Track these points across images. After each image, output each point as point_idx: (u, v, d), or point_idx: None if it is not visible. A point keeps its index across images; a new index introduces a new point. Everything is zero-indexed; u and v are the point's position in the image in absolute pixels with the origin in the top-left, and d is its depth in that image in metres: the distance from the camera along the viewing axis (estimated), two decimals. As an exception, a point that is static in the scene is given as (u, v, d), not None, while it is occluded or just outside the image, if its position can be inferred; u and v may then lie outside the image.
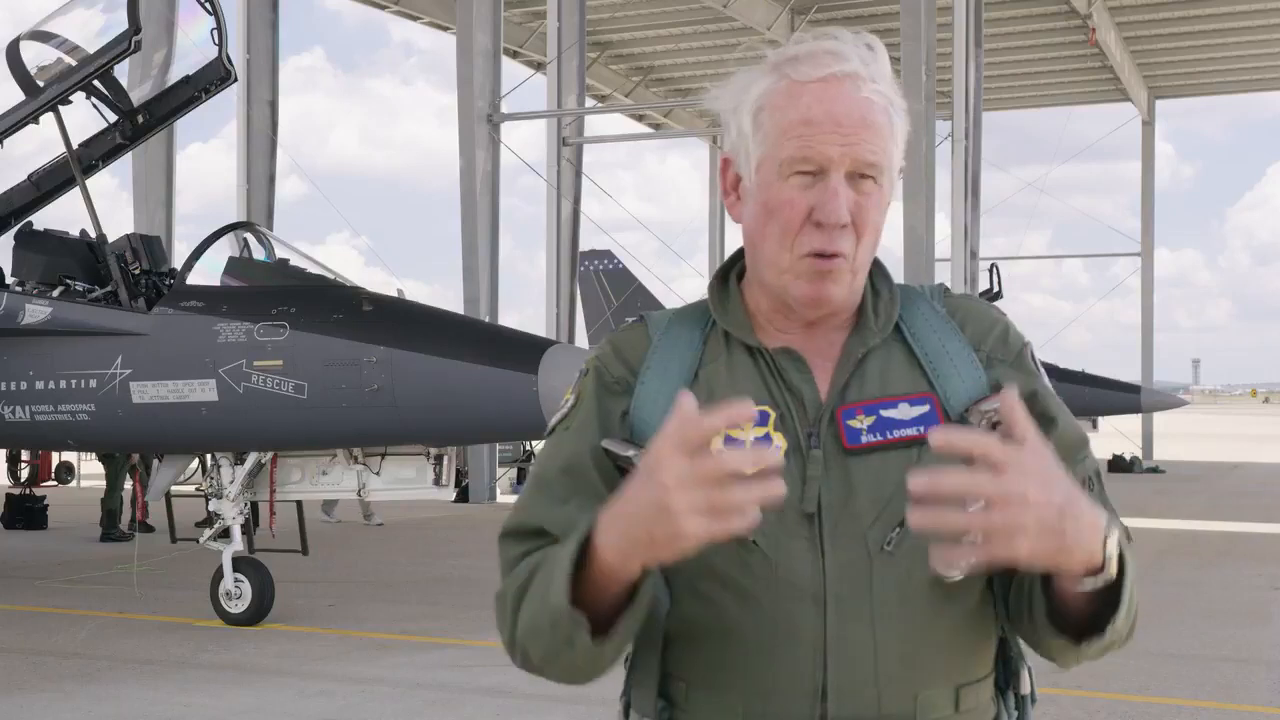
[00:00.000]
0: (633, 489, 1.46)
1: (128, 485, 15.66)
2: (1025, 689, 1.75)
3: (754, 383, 1.68)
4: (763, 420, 1.66)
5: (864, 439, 1.64)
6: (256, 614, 9.57)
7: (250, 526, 10.08)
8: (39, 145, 10.77)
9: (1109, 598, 1.53)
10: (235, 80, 10.50)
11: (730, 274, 1.76)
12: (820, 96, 1.62)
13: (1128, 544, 1.55)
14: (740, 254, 1.76)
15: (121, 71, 10.21)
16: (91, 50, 9.69)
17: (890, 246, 22.32)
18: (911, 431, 1.64)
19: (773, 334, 1.71)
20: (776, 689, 1.62)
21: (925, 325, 1.72)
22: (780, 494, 1.39)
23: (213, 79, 10.27)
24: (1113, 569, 1.49)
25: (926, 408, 1.66)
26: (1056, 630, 1.58)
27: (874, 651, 1.61)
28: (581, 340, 25.21)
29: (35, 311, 9.78)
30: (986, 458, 1.39)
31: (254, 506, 10.32)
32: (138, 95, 10.42)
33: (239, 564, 9.62)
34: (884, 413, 1.65)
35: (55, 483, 22.34)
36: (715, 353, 1.72)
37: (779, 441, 1.64)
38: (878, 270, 1.75)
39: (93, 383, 9.54)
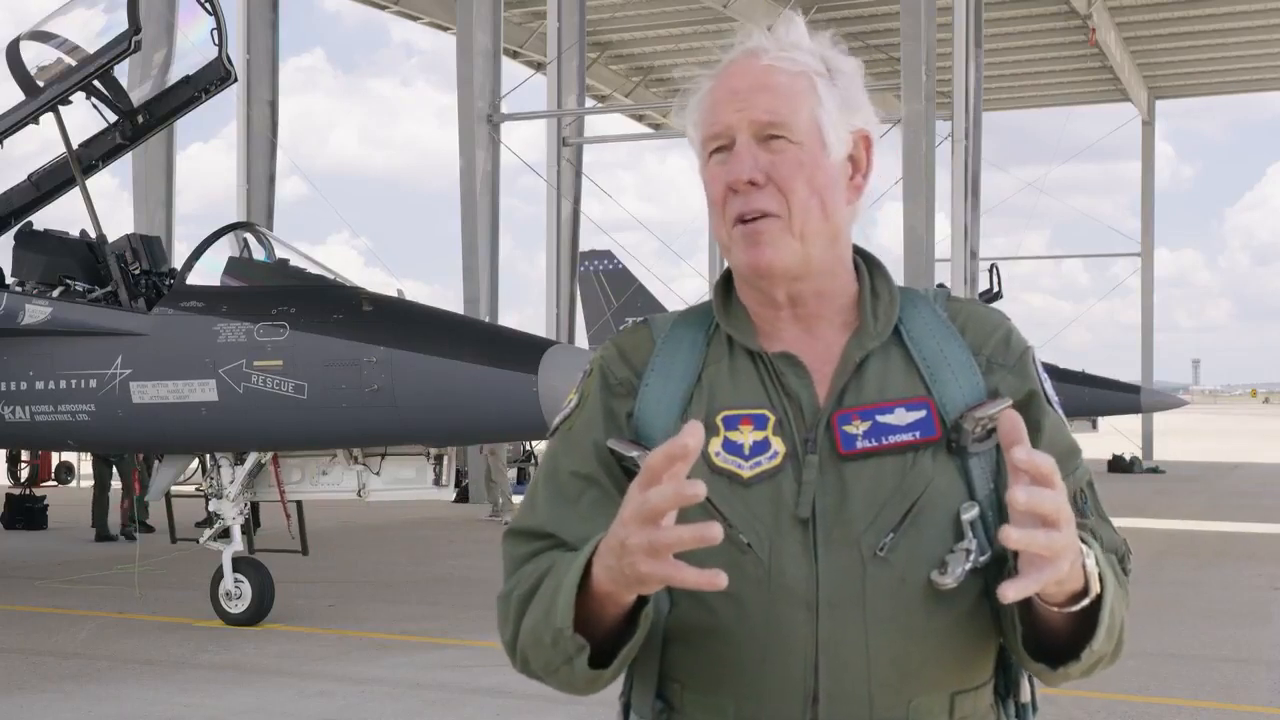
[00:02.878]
0: (618, 519, 1.47)
1: (118, 485, 15.66)
2: (1025, 697, 1.74)
3: (754, 386, 1.69)
4: (761, 424, 1.66)
5: (859, 444, 1.64)
6: (256, 614, 9.58)
7: (250, 526, 10.09)
8: (39, 145, 10.77)
9: (1088, 619, 1.53)
10: (235, 80, 10.49)
11: (732, 279, 1.77)
12: (724, 76, 1.68)
13: (1105, 560, 1.55)
14: None
15: (121, 71, 10.21)
16: (91, 50, 9.69)
17: (890, 246, 22.36)
18: (907, 437, 1.64)
19: (774, 338, 1.71)
20: (768, 693, 1.62)
21: (925, 329, 1.71)
22: (715, 538, 1.38)
23: (213, 79, 10.26)
24: (1095, 586, 1.50)
25: (923, 413, 1.66)
26: (1032, 657, 1.59)
27: (866, 657, 1.60)
28: (581, 340, 25.21)
29: (35, 311, 9.78)
30: (1044, 513, 1.41)
31: (254, 506, 10.32)
32: (138, 95, 10.42)
33: (239, 564, 9.62)
34: (880, 418, 1.65)
35: (55, 483, 22.36)
36: (718, 355, 1.72)
37: (777, 446, 1.65)
38: (878, 272, 1.75)
39: (93, 383, 9.54)
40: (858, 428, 1.64)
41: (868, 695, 1.61)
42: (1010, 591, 1.41)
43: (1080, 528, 1.55)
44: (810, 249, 1.65)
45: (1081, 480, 1.70)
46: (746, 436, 1.65)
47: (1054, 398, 1.74)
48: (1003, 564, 1.61)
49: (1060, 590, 1.49)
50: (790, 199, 1.62)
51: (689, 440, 1.39)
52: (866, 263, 1.75)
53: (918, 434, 1.64)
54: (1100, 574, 1.51)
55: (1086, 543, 1.51)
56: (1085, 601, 1.50)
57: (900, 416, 1.65)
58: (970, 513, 1.60)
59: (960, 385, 1.67)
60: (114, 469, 15.58)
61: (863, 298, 1.72)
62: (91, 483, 16.10)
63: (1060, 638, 1.56)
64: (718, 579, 1.39)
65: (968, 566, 1.58)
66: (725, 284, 1.76)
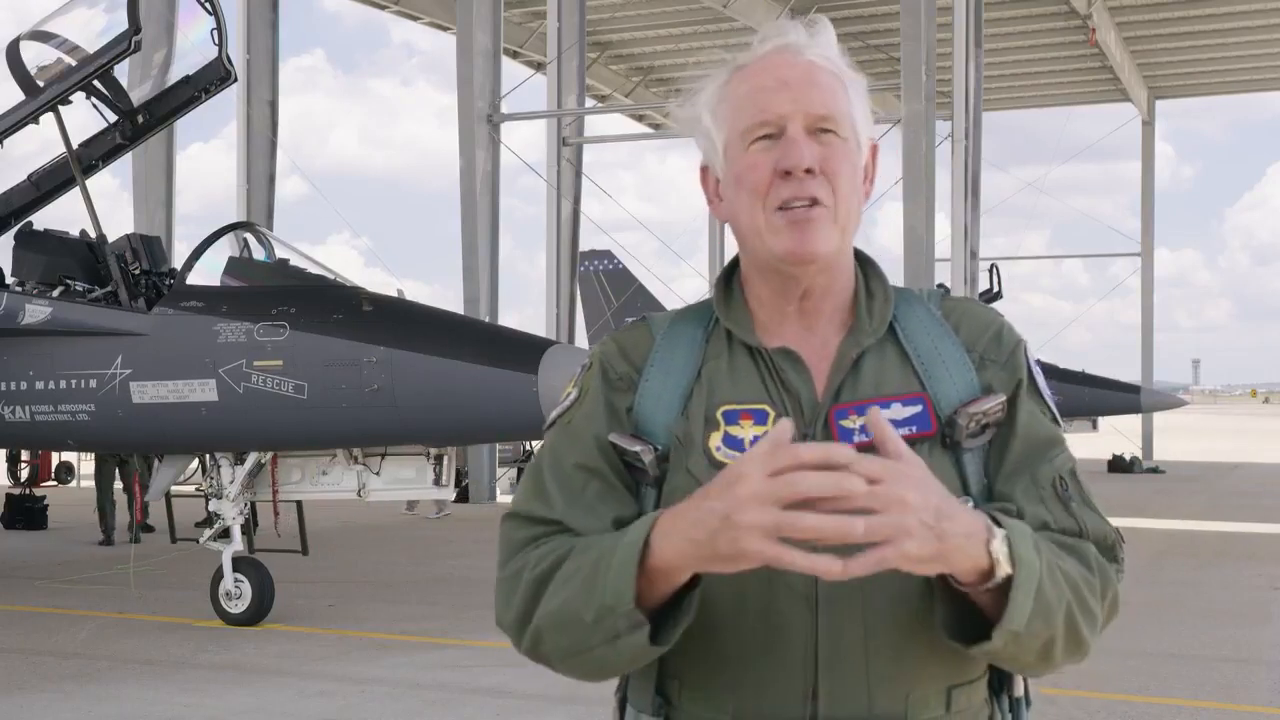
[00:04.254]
0: (704, 497, 1.47)
1: (118, 486, 15.64)
2: (1019, 691, 1.75)
3: (753, 381, 1.70)
4: (761, 419, 1.67)
5: (856, 439, 1.65)
6: (256, 614, 9.58)
7: (250, 526, 10.08)
8: (39, 145, 10.78)
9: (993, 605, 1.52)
10: (235, 80, 10.50)
11: (734, 275, 1.78)
12: (766, 67, 1.68)
13: (1031, 542, 1.53)
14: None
15: (121, 71, 10.22)
16: (91, 50, 9.69)
17: (890, 246, 22.35)
18: (903, 432, 1.65)
19: (773, 334, 1.72)
20: (768, 688, 1.63)
21: (919, 327, 1.74)
22: (856, 533, 1.40)
23: (213, 79, 10.27)
24: (1004, 569, 1.49)
25: (919, 408, 1.68)
26: (949, 636, 1.58)
27: (865, 652, 1.62)
28: (581, 340, 25.21)
29: (35, 311, 9.78)
30: (864, 472, 1.42)
31: (254, 506, 10.32)
32: (138, 95, 10.43)
33: (239, 564, 9.63)
34: None
35: (55, 483, 22.35)
36: (717, 351, 1.74)
37: None
38: (872, 271, 1.77)
39: (93, 383, 9.54)
40: (855, 423, 1.66)
41: (866, 690, 1.62)
42: (835, 568, 1.40)
43: (1004, 511, 1.57)
44: (845, 240, 1.69)
45: (1062, 469, 1.70)
46: (747, 431, 1.66)
47: (1043, 388, 1.74)
48: None
49: (954, 563, 1.47)
50: (837, 191, 1.65)
51: (782, 427, 1.44)
52: (861, 263, 1.77)
53: (914, 429, 1.66)
54: (1015, 555, 1.50)
55: (1000, 524, 1.51)
56: (993, 582, 1.49)
57: (896, 411, 1.67)
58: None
59: (954, 381, 1.70)
60: (116, 470, 15.55)
61: (858, 296, 1.74)
62: (92, 483, 16.09)
63: (993, 619, 1.54)
64: (833, 566, 1.40)
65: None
66: (727, 278, 1.78)
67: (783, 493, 1.40)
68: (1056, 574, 1.55)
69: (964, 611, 1.56)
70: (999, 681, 1.74)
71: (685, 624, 1.56)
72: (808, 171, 1.63)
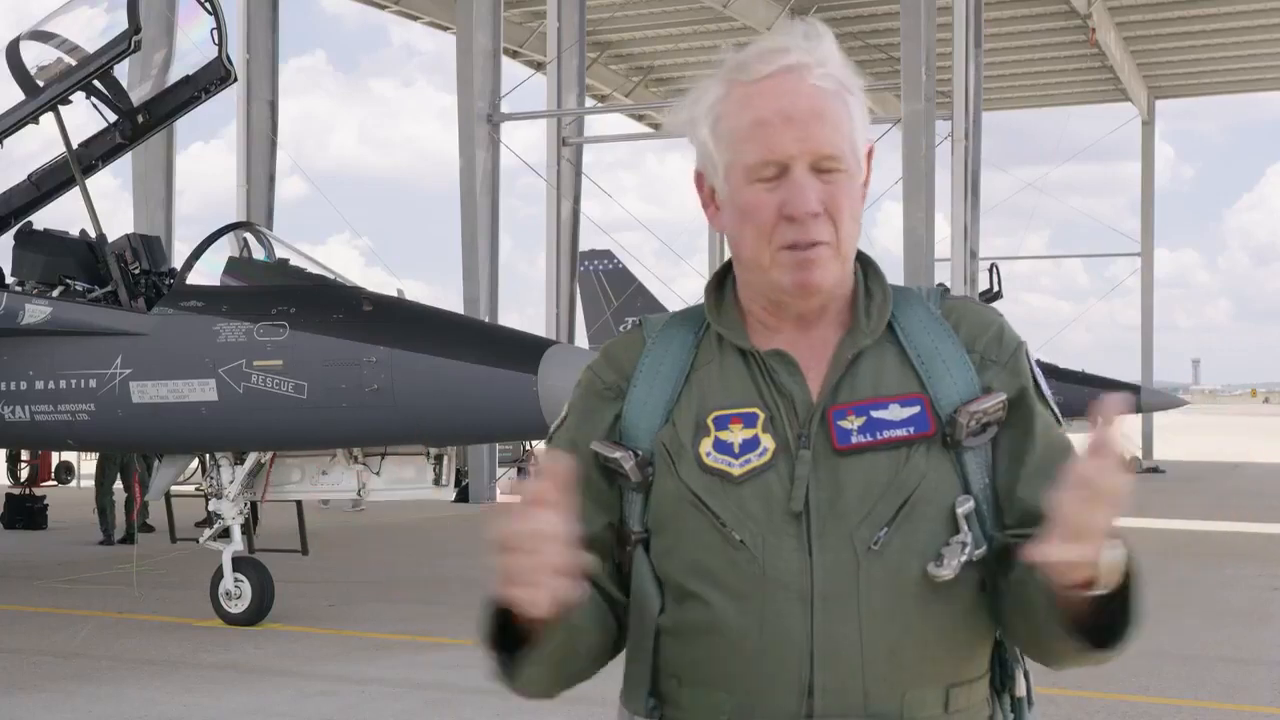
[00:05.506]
0: None
1: (118, 485, 15.64)
2: (1021, 691, 1.75)
3: (745, 385, 1.70)
4: (751, 422, 1.67)
5: (854, 439, 1.65)
6: (256, 614, 9.58)
7: (250, 526, 10.08)
8: (39, 145, 10.77)
9: (1113, 609, 1.54)
10: (235, 80, 10.50)
11: (726, 278, 1.78)
12: (769, 94, 1.64)
13: (1129, 558, 1.54)
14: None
15: (121, 71, 10.22)
16: (91, 50, 9.69)
17: (890, 246, 22.35)
18: (902, 432, 1.65)
19: (766, 336, 1.72)
20: (764, 686, 1.63)
21: (919, 326, 1.73)
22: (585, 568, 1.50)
23: (213, 79, 10.27)
24: (1113, 578, 1.50)
25: (917, 409, 1.67)
26: (1067, 635, 1.57)
27: (861, 650, 1.62)
28: (581, 340, 25.22)
29: (35, 311, 9.78)
30: (1104, 484, 1.45)
31: (253, 506, 10.32)
32: (138, 95, 10.43)
33: (239, 564, 9.62)
34: (874, 413, 1.67)
35: (55, 483, 22.34)
36: (708, 356, 1.74)
37: (766, 443, 1.66)
38: (872, 271, 1.76)
39: (93, 383, 9.54)
40: (852, 423, 1.66)
41: (862, 688, 1.62)
42: (1037, 553, 1.45)
43: None
44: (846, 267, 1.70)
45: None
46: (736, 435, 1.67)
47: (1047, 393, 1.74)
48: (999, 558, 1.64)
49: (1079, 574, 1.48)
50: (840, 228, 1.65)
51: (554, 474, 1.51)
52: (861, 262, 1.76)
53: (912, 429, 1.66)
54: (1129, 567, 1.52)
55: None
56: (1099, 591, 1.50)
57: (895, 412, 1.67)
58: (965, 506, 1.63)
59: (954, 381, 1.69)
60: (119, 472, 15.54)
61: (857, 296, 1.74)
62: (92, 483, 16.08)
63: (1083, 625, 1.55)
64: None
65: (964, 559, 1.60)
66: (718, 283, 1.77)
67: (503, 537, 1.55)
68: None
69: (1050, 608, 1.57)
70: (1001, 681, 1.74)
71: (534, 663, 1.63)
72: (813, 215, 1.63)
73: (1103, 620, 1.54)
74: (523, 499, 1.48)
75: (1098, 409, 1.46)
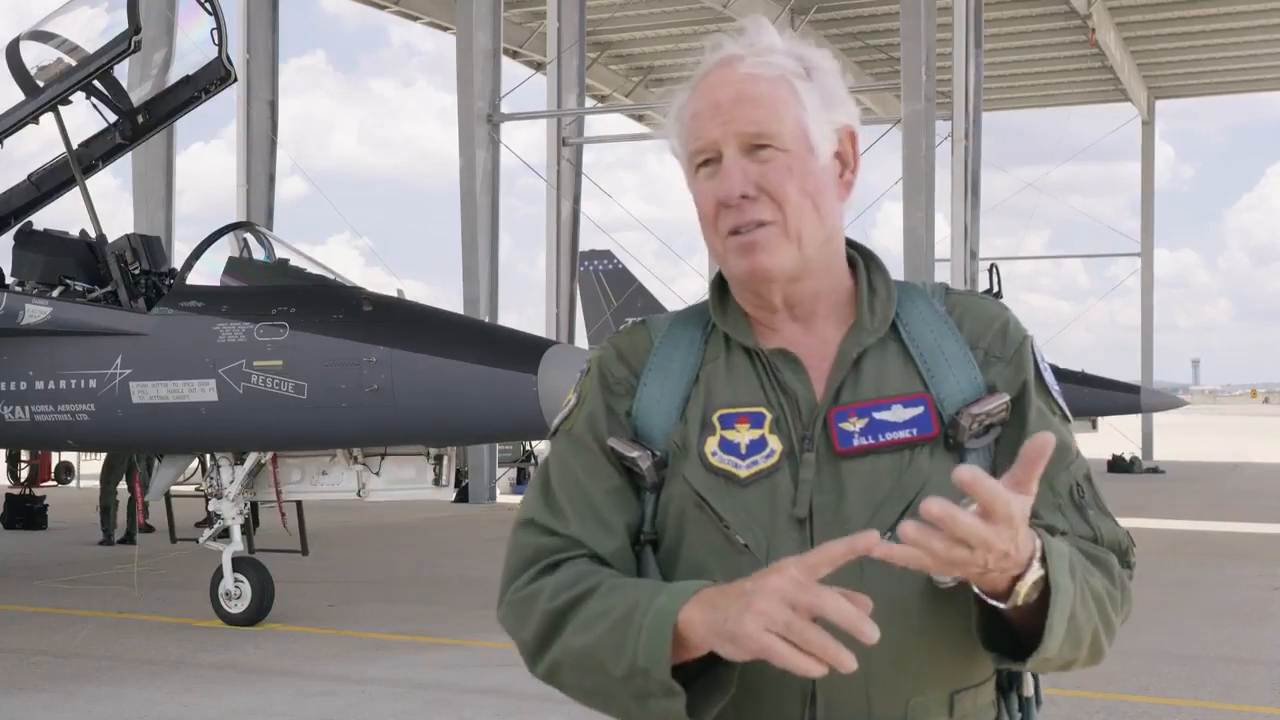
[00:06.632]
0: (748, 578, 1.47)
1: (121, 486, 15.64)
2: (1028, 691, 1.74)
3: (751, 384, 1.69)
4: (757, 422, 1.66)
5: (856, 442, 1.63)
6: (256, 614, 9.58)
7: (250, 526, 10.08)
8: (39, 145, 10.80)
9: (1033, 623, 1.51)
10: (235, 80, 10.50)
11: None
12: (704, 90, 1.68)
13: (1070, 564, 1.51)
14: None
15: (121, 71, 10.21)
16: (91, 50, 9.69)
17: (890, 246, 22.36)
18: (904, 434, 1.64)
19: (771, 335, 1.71)
20: (766, 693, 1.62)
21: (922, 323, 1.71)
22: (850, 666, 1.40)
23: (213, 79, 10.27)
24: (1024, 593, 1.47)
25: (920, 409, 1.65)
26: (986, 647, 1.57)
27: (864, 658, 1.59)
28: (581, 340, 25.21)
29: (35, 311, 9.78)
30: (995, 513, 1.40)
31: (253, 506, 10.32)
32: (138, 95, 10.42)
33: (239, 564, 9.62)
34: (877, 415, 1.65)
35: (55, 483, 22.34)
36: (715, 354, 1.72)
37: (773, 444, 1.65)
38: (875, 267, 1.74)
39: (93, 383, 9.53)
40: (854, 425, 1.64)
41: (865, 695, 1.60)
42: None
43: (1048, 530, 1.55)
44: (806, 250, 1.65)
45: (1078, 474, 1.68)
46: (743, 435, 1.65)
47: (1052, 386, 1.71)
48: None
49: (985, 581, 1.47)
50: (784, 206, 1.62)
51: (833, 547, 1.43)
52: (864, 258, 1.75)
53: (914, 431, 1.64)
54: (1052, 582, 1.48)
55: (1045, 543, 1.49)
56: (1004, 605, 1.48)
57: (897, 413, 1.65)
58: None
59: (957, 380, 1.67)
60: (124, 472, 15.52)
61: (859, 293, 1.72)
62: (92, 483, 16.08)
63: (1022, 633, 1.54)
64: (814, 668, 1.40)
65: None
66: (721, 283, 1.76)
67: (802, 598, 1.40)
68: (1087, 597, 1.55)
69: (993, 618, 1.55)
70: (1008, 681, 1.73)
71: (721, 700, 1.54)
72: (743, 197, 1.62)
73: (1024, 629, 1.52)
74: (806, 567, 1.42)
75: (1025, 451, 1.41)
